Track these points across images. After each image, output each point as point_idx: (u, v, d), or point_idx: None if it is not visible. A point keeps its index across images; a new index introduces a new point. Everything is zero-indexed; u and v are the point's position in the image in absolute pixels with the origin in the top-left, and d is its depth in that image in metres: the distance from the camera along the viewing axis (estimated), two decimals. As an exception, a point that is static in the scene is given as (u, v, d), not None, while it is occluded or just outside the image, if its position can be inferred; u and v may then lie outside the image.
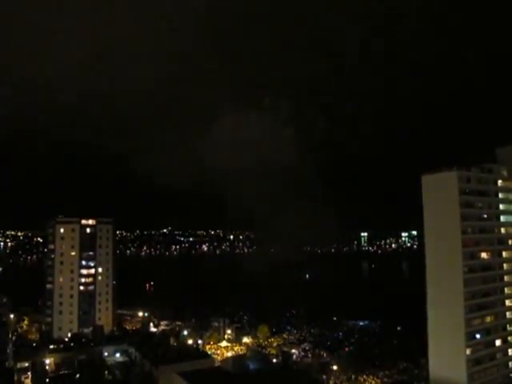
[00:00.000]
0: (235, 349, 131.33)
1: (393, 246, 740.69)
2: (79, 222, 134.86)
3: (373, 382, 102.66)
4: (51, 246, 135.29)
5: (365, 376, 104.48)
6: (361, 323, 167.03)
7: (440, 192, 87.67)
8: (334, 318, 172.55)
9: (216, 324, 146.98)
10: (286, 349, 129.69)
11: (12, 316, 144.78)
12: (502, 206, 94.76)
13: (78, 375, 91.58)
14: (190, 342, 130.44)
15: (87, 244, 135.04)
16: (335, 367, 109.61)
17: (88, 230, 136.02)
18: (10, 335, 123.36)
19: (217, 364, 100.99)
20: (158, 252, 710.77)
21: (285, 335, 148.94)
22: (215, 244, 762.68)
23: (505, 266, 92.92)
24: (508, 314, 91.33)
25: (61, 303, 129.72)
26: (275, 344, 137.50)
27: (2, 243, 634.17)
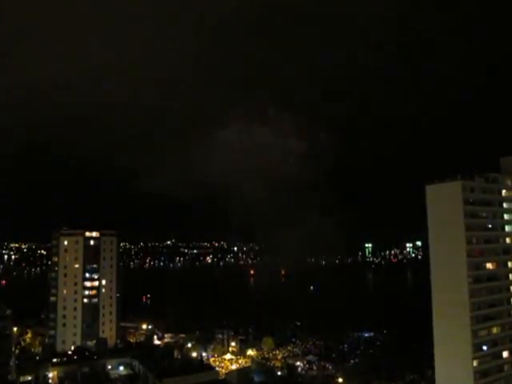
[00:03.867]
0: (239, 361, 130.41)
1: (398, 256, 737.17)
2: (83, 235, 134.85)
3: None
4: (55, 259, 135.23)
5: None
6: (366, 335, 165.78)
7: (444, 202, 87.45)
8: (339, 330, 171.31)
9: (220, 336, 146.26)
10: (290, 361, 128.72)
11: (15, 329, 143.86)
12: (506, 216, 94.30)
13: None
14: (194, 354, 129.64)
15: (91, 256, 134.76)
16: (340, 379, 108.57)
17: (92, 243, 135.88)
18: (13, 348, 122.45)
19: (221, 377, 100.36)
20: (161, 264, 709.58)
21: (289, 347, 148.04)
22: (219, 256, 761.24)
23: (510, 276, 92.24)
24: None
25: (64, 316, 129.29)
26: (280, 356, 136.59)
27: (5, 256, 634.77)
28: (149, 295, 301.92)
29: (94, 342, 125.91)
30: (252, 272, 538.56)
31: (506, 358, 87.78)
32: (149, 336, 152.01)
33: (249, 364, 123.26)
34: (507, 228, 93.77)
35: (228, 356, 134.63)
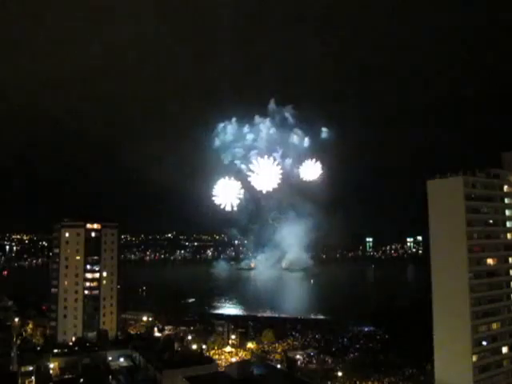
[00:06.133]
0: (239, 354, 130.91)
1: (398, 251, 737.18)
2: (84, 226, 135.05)
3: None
4: (56, 250, 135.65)
5: (370, 382, 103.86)
6: (366, 329, 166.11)
7: (445, 197, 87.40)
8: (339, 324, 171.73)
9: (220, 329, 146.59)
10: (290, 354, 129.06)
11: (17, 320, 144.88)
12: (508, 212, 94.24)
13: (81, 379, 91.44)
14: (195, 346, 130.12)
15: (92, 248, 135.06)
16: (340, 373, 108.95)
17: (93, 234, 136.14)
18: (15, 339, 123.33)
19: (221, 369, 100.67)
20: (162, 256, 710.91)
21: (289, 341, 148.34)
22: (220, 249, 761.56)
23: (511, 272, 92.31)
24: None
25: (65, 307, 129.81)
26: (280, 349, 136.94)
27: (7, 247, 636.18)
28: (144, 287, 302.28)
29: (95, 333, 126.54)
30: (252, 265, 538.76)
31: (506, 354, 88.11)
32: (149, 328, 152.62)
33: (249, 357, 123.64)
34: (508, 224, 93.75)
35: (228, 349, 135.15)
